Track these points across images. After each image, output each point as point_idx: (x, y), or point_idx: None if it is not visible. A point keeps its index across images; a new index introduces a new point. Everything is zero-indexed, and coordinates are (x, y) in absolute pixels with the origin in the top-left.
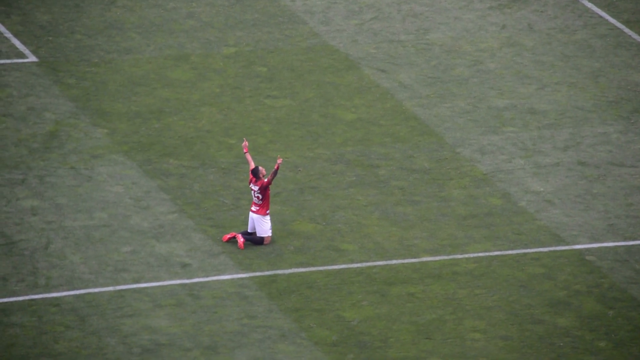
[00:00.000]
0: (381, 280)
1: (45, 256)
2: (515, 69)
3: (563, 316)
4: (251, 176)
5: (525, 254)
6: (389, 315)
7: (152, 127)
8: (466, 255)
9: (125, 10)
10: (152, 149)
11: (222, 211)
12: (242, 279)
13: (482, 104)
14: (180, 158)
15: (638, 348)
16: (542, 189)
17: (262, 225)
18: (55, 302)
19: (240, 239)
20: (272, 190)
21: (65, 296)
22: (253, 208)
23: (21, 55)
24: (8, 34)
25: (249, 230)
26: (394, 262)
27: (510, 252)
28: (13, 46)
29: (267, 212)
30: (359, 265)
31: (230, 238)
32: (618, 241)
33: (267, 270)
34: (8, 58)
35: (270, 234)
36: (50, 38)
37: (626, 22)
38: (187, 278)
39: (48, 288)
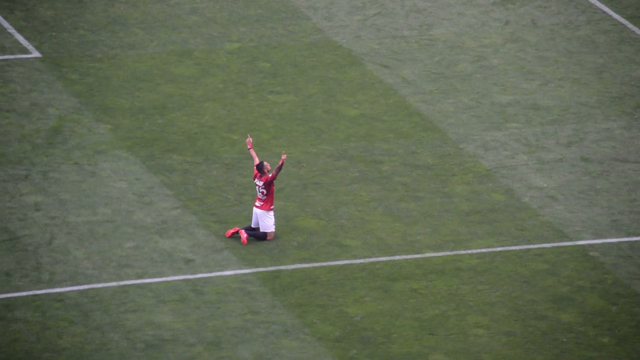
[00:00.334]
0: (384, 276)
1: (49, 251)
2: (518, 64)
3: (566, 312)
4: (256, 171)
5: (528, 249)
6: (392, 311)
7: (155, 122)
8: (469, 251)
9: (129, 6)
10: (156, 144)
11: (225, 207)
12: (245, 274)
13: (485, 100)
14: (184, 154)
15: None
16: (545, 185)
17: (266, 221)
18: (59, 298)
19: (244, 235)
20: (275, 186)
21: (68, 291)
22: (257, 203)
23: (24, 50)
24: (12, 30)
25: (252, 226)
26: (397, 257)
27: (513, 247)
28: (16, 42)
29: (271, 207)
30: (362, 261)
31: (233, 233)
32: (621, 237)
33: (271, 265)
34: (11, 54)
35: (274, 230)
36: (54, 34)
37: (630, 18)
38: (191, 273)
39: (51, 283)
